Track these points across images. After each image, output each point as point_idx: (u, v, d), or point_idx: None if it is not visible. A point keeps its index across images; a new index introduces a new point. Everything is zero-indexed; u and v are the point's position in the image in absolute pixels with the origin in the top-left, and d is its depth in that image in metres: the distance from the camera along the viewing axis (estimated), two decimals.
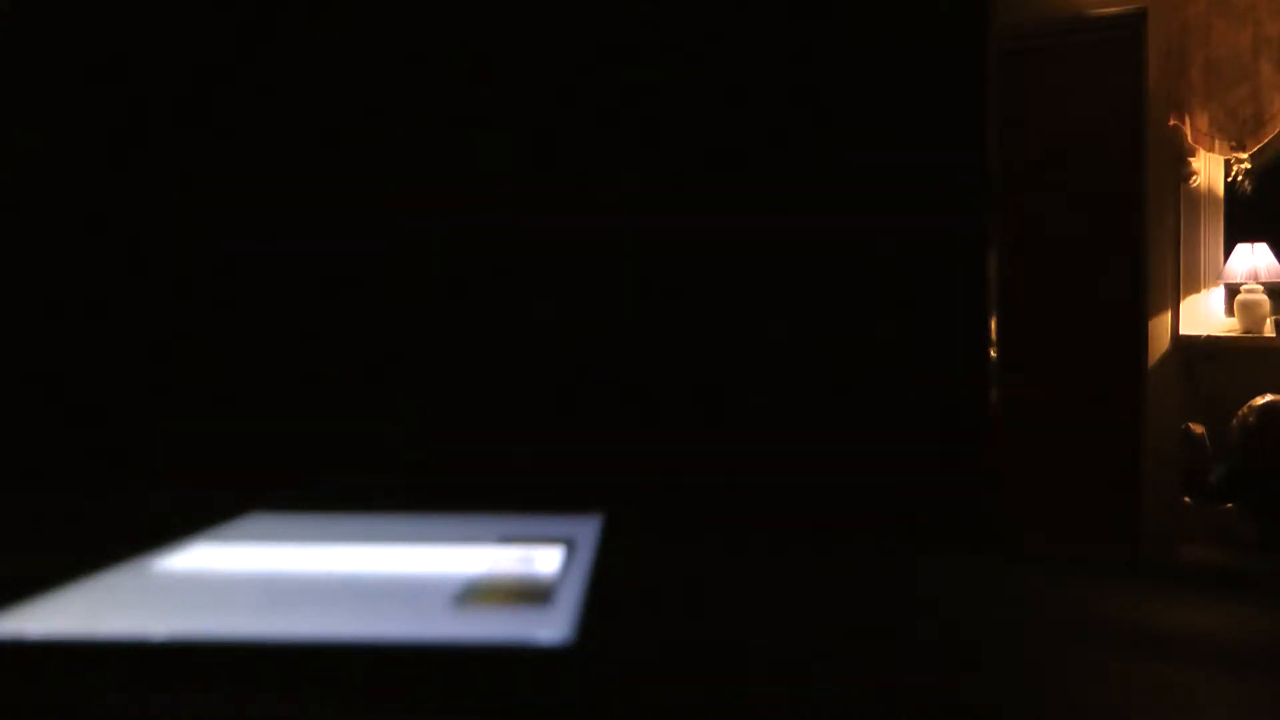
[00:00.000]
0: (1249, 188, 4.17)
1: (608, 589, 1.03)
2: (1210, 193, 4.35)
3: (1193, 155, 4.28)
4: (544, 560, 1.13)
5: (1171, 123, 4.27)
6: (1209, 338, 4.27)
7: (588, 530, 1.26)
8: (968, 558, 1.44)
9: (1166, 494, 4.16)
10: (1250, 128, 4.11)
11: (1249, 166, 4.14)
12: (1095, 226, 4.56)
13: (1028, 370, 4.18)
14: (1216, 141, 4.18)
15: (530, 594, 1.02)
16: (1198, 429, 3.99)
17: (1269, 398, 3.74)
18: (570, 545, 1.19)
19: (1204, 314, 4.36)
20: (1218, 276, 4.33)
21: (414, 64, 1.78)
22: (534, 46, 1.76)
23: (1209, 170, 4.33)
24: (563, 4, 1.74)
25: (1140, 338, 4.41)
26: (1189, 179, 4.32)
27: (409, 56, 1.79)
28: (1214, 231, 4.37)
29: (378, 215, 1.81)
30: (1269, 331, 4.16)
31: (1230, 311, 4.31)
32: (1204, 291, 4.37)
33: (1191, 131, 4.23)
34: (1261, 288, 4.18)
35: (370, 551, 1.19)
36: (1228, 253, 4.30)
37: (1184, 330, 4.34)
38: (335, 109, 1.80)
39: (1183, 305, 4.37)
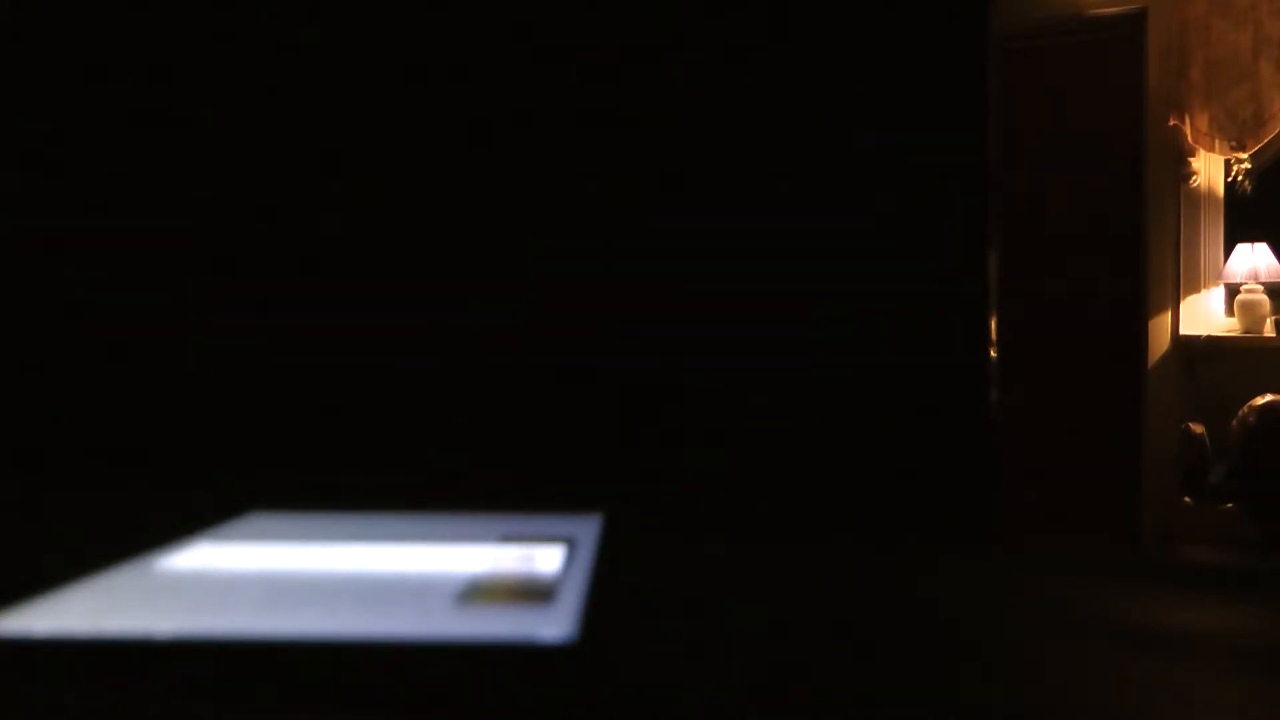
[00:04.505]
0: (1249, 188, 4.17)
1: (608, 587, 1.03)
2: (1210, 193, 4.35)
3: (1193, 155, 4.28)
4: (545, 559, 1.13)
5: (1171, 123, 4.27)
6: (1209, 338, 4.27)
7: (588, 530, 1.26)
8: (968, 557, 1.45)
9: (1166, 494, 4.16)
10: (1250, 128, 4.11)
11: (1249, 166, 4.14)
12: (1095, 226, 4.55)
13: (1028, 370, 4.18)
14: (1216, 141, 4.18)
15: (532, 592, 1.02)
16: (1198, 429, 3.99)
17: (1269, 398, 3.74)
18: (571, 544, 1.19)
19: (1204, 314, 4.36)
20: (1218, 276, 4.33)
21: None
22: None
23: (1209, 170, 4.32)
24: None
25: (1140, 338, 4.41)
26: (1189, 179, 4.32)
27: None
28: (1214, 231, 4.37)
29: (371, 218, 1.81)
30: (1269, 331, 4.16)
31: (1230, 311, 4.31)
32: (1204, 291, 4.37)
33: (1191, 131, 4.23)
34: (1261, 288, 4.18)
35: (372, 550, 1.20)
36: (1228, 253, 4.30)
37: (1184, 330, 4.34)
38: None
39: (1183, 305, 4.37)
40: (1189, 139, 4.24)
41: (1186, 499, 3.99)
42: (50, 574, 1.02)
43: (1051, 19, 4.57)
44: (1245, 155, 4.13)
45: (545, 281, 1.74)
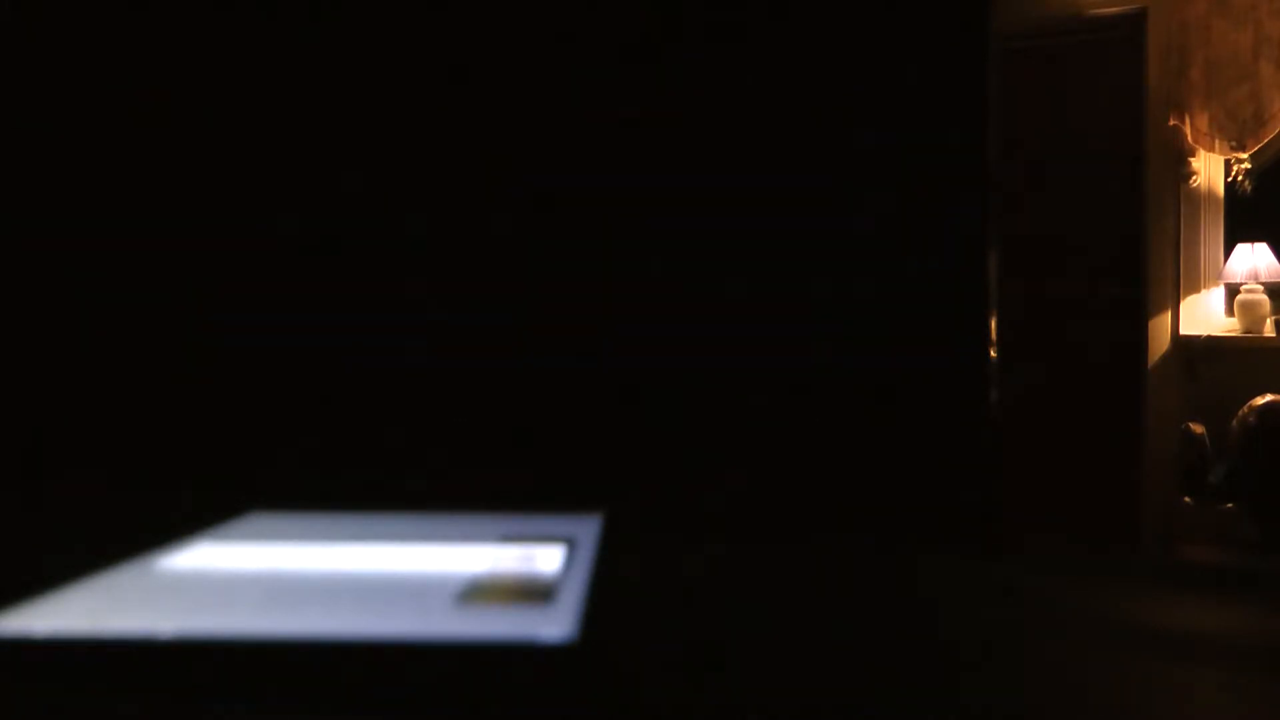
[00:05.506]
0: (1249, 188, 4.17)
1: (609, 587, 1.03)
2: (1210, 193, 4.35)
3: (1193, 155, 4.27)
4: (545, 559, 1.13)
5: (1171, 123, 4.27)
6: (1209, 338, 4.27)
7: (588, 529, 1.26)
8: (969, 558, 1.45)
9: (1166, 494, 4.16)
10: (1250, 128, 4.10)
11: (1249, 166, 4.14)
12: (1095, 226, 4.55)
13: (1028, 370, 4.18)
14: (1216, 141, 4.17)
15: (532, 592, 1.02)
16: (1198, 429, 3.98)
17: (1269, 398, 3.74)
18: (571, 544, 1.19)
19: (1204, 314, 4.36)
20: (1218, 276, 4.33)
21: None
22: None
23: (1209, 170, 4.32)
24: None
25: (1140, 338, 4.40)
26: (1189, 179, 4.32)
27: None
28: (1214, 231, 4.37)
29: (367, 218, 1.81)
30: (1269, 331, 4.16)
31: (1230, 311, 4.30)
32: (1204, 291, 4.36)
33: (1191, 131, 4.23)
34: (1261, 288, 4.18)
35: (372, 550, 1.20)
36: (1228, 253, 4.30)
37: (1184, 330, 4.34)
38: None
39: (1183, 305, 4.37)
40: (1189, 139, 4.24)
41: (1186, 499, 3.99)
42: (50, 574, 1.02)
43: (1051, 19, 4.57)
44: (1245, 155, 4.13)
45: (545, 281, 1.74)
